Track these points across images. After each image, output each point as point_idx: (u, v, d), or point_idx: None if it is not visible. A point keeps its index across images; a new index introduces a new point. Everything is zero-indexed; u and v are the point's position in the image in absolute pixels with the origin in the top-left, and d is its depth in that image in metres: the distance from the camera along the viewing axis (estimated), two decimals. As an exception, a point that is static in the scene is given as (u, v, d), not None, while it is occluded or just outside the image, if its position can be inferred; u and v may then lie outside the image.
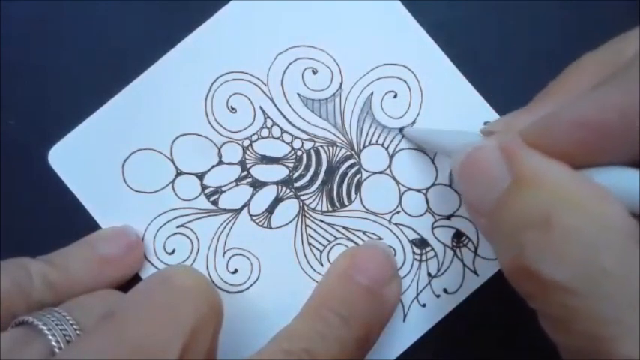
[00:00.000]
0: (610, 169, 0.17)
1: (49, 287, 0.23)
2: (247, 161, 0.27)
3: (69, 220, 0.26)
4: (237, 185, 0.27)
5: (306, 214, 0.27)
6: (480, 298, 0.27)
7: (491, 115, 0.27)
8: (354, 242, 0.27)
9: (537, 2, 0.27)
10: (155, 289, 0.20)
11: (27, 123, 0.27)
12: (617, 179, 0.17)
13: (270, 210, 0.27)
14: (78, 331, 0.21)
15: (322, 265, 0.27)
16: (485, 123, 0.26)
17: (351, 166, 0.27)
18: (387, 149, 0.27)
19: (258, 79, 0.27)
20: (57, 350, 0.20)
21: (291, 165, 0.27)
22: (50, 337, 0.20)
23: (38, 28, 0.27)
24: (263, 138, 0.27)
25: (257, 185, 0.27)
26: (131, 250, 0.26)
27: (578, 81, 0.20)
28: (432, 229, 0.27)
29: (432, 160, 0.27)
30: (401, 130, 0.27)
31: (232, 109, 0.27)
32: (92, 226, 0.26)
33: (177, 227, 0.27)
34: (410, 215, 0.27)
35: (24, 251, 0.24)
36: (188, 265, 0.27)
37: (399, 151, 0.27)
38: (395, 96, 0.27)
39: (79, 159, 0.27)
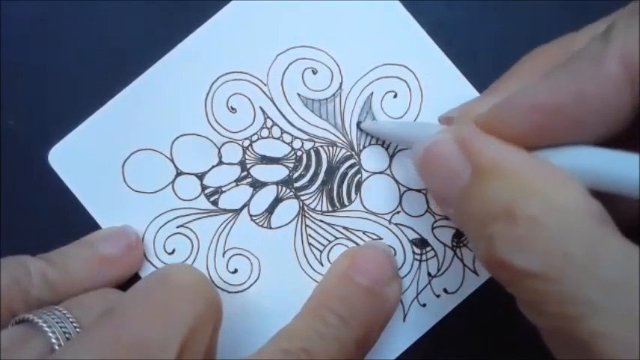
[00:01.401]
0: (569, 149, 0.17)
1: (47, 285, 0.23)
2: (247, 161, 0.27)
3: (69, 220, 0.26)
4: (237, 185, 0.27)
5: (306, 214, 0.27)
6: (480, 298, 0.27)
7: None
8: (354, 242, 0.27)
9: (537, 2, 0.27)
10: (154, 287, 0.20)
11: (27, 123, 0.27)
12: (577, 158, 0.17)
13: (270, 210, 0.27)
14: (78, 329, 0.21)
15: (322, 265, 0.27)
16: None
17: (351, 166, 0.27)
18: (387, 149, 0.27)
19: (258, 79, 0.27)
20: (56, 348, 0.20)
21: (291, 165, 0.27)
22: (50, 334, 0.20)
23: (38, 28, 0.27)
24: (263, 138, 0.27)
25: (257, 185, 0.27)
26: (131, 250, 0.26)
27: (530, 70, 0.21)
28: (432, 229, 0.27)
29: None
30: (358, 124, 0.27)
31: (232, 109, 0.27)
32: (92, 226, 0.26)
33: (177, 227, 0.27)
34: (410, 215, 0.27)
35: (24, 251, 0.24)
36: (187, 263, 0.27)
37: (399, 151, 0.27)
38: (395, 96, 0.27)
39: (79, 159, 0.27)
